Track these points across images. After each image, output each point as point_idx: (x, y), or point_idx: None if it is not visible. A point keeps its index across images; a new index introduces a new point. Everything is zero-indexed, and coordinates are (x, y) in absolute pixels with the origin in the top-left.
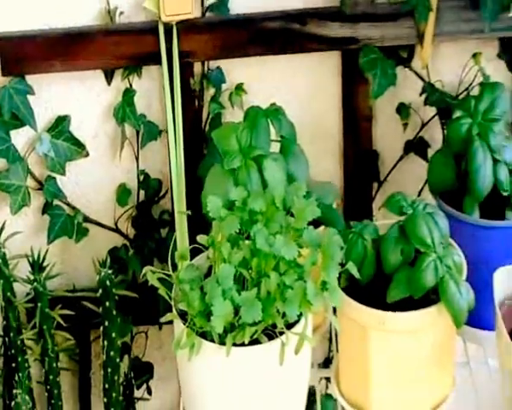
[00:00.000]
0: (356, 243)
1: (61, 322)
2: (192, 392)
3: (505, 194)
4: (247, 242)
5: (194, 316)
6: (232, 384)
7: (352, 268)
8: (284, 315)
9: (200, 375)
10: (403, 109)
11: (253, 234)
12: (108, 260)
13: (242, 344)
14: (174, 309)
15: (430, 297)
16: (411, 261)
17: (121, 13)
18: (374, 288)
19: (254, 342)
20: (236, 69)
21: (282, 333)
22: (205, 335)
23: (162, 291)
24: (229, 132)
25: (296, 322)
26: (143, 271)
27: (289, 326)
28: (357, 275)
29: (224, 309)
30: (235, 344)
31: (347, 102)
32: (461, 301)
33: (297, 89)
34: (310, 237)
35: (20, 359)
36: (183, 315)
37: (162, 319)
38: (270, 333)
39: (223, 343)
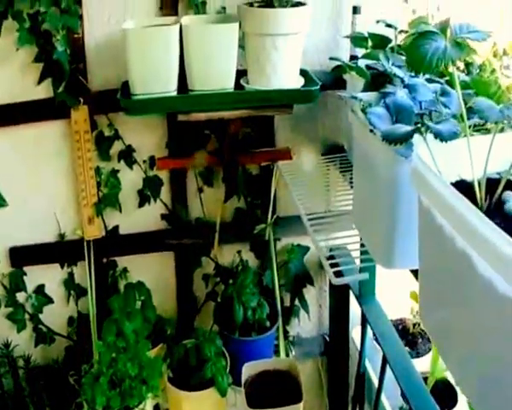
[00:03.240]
0: (176, 353)
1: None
2: None
3: (251, 322)
4: (118, 362)
5: (90, 400)
6: None
7: (168, 372)
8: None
9: None
10: (206, 277)
11: (118, 359)
12: (60, 357)
13: None
14: (82, 396)
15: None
16: (203, 365)
17: (66, 235)
18: (187, 377)
19: None
20: (124, 261)
21: (133, 409)
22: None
23: (76, 387)
24: (115, 299)
25: (141, 401)
26: (69, 375)
27: (139, 403)
28: (170, 374)
29: (102, 399)
30: None
31: (179, 275)
32: (223, 384)
33: (155, 271)
34: (145, 359)
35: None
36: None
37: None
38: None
39: None
